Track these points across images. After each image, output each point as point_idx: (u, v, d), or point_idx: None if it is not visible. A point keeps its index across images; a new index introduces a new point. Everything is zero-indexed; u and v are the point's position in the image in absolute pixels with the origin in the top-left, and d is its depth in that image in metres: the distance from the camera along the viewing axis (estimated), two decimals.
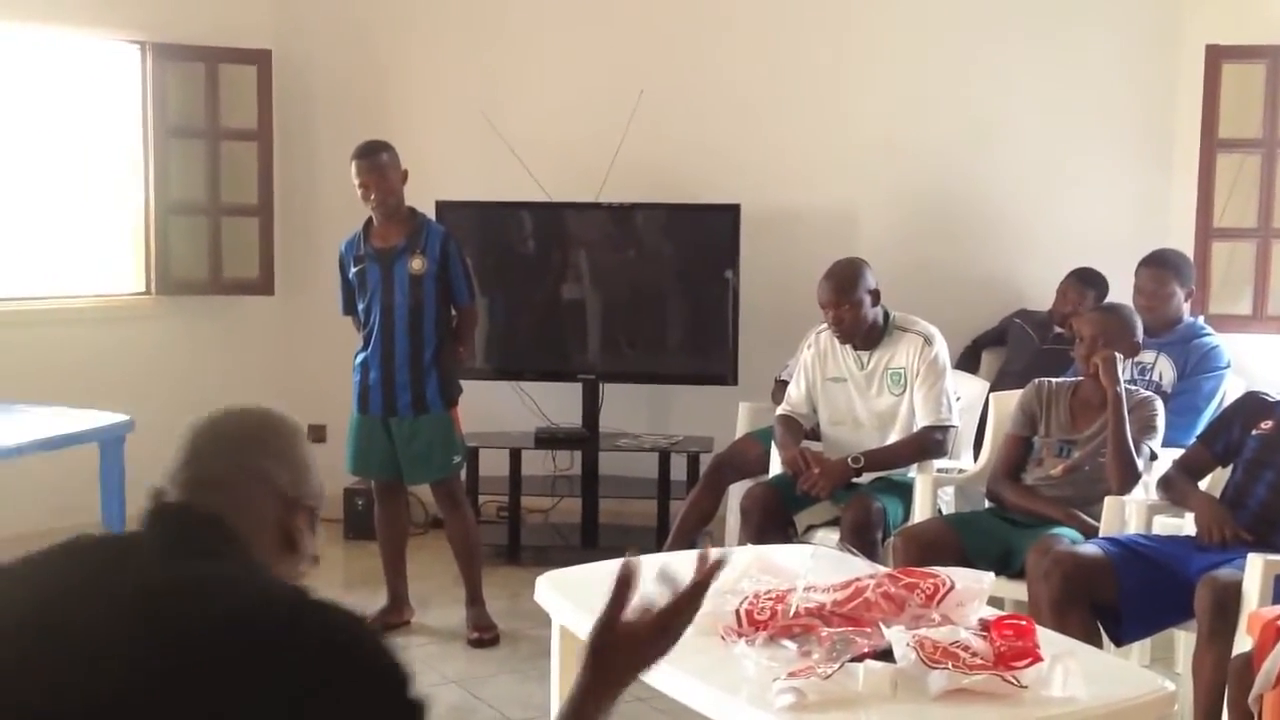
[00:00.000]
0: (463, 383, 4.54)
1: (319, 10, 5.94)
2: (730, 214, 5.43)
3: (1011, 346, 5.20)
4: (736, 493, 4.62)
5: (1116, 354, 3.79)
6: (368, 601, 4.46)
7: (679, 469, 5.34)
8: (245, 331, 5.89)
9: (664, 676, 2.33)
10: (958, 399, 4.29)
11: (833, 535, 4.00)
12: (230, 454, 1.56)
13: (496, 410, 5.55)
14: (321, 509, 1.63)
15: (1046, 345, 4.98)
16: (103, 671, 1.25)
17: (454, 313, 4.43)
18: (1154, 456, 3.78)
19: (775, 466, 4.39)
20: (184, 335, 5.74)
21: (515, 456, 5.39)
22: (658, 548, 4.63)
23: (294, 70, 5.81)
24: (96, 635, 1.28)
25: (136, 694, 1.23)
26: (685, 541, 4.51)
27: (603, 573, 2.98)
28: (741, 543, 4.11)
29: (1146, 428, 3.78)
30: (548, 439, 5.52)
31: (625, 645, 1.44)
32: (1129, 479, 3.71)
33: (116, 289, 5.68)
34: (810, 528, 4.16)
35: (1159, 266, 4.60)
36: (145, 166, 5.57)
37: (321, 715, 1.26)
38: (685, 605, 1.46)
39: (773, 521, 4.09)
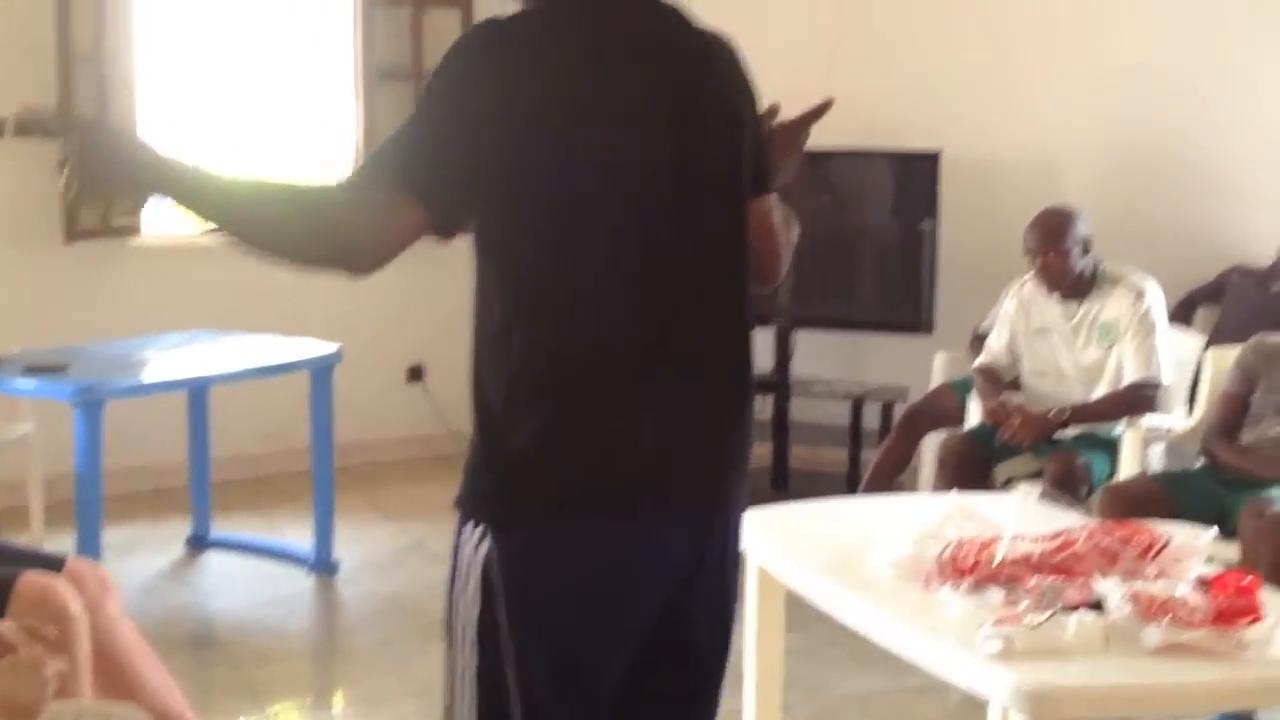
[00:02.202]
0: None
1: None
2: (930, 161, 5.31)
3: (1229, 302, 4.97)
4: (931, 444, 4.55)
5: None
6: None
7: (872, 417, 5.28)
8: (457, 266, 5.98)
9: (863, 618, 2.31)
10: (1171, 355, 4.13)
11: (1033, 489, 3.90)
12: None
13: None
14: None
15: (1266, 301, 4.75)
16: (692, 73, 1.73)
17: None
18: None
19: (973, 418, 4.30)
20: (391, 270, 5.86)
21: None
22: (848, 496, 4.59)
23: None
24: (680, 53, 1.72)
25: (717, 91, 1.75)
26: (879, 490, 4.45)
27: (800, 514, 2.97)
28: (937, 493, 4.04)
29: None
30: None
31: (768, 139, 1.86)
32: None
33: None
34: (1010, 480, 4.07)
35: None
36: (356, 108, 5.73)
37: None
38: (807, 118, 1.92)
39: (971, 473, 4.01)
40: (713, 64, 1.76)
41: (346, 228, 1.57)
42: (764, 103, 1.88)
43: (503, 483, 1.64)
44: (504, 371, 1.64)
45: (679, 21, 1.75)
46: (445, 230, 1.61)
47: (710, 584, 1.78)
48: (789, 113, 1.94)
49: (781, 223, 1.90)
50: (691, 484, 1.71)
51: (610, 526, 1.64)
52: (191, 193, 1.59)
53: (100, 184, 1.63)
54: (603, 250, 1.63)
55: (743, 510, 1.83)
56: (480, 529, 1.64)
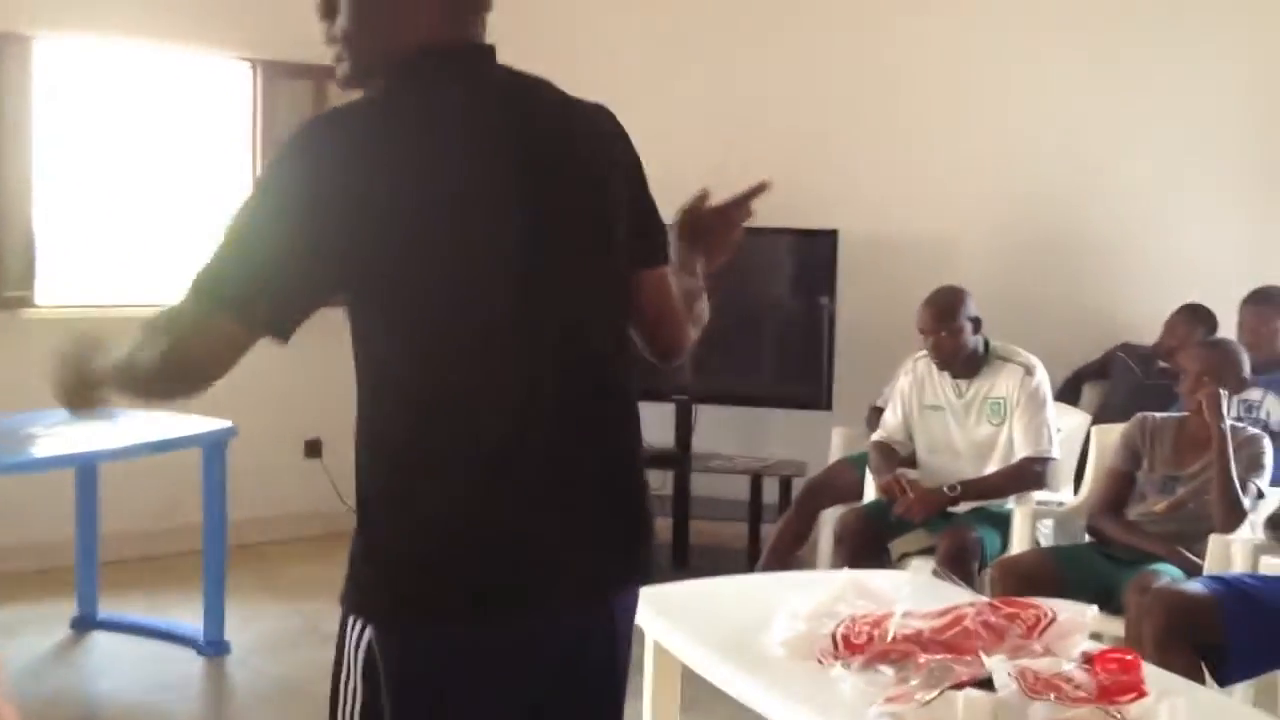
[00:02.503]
0: None
1: None
2: (828, 239, 5.42)
3: (1114, 380, 5.11)
4: (829, 519, 4.60)
5: (1222, 390, 3.71)
6: None
7: (771, 492, 5.32)
8: (346, 342, 5.94)
9: (758, 697, 2.32)
10: (1058, 431, 4.23)
11: (927, 564, 3.96)
12: None
13: None
14: None
15: (1150, 379, 4.88)
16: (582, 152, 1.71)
17: None
18: (1261, 495, 3.69)
19: (870, 493, 4.35)
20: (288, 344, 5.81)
21: None
22: (749, 570, 4.61)
23: None
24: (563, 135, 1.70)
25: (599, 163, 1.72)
26: (778, 564, 4.49)
27: (696, 591, 2.97)
28: (834, 568, 4.08)
29: (1253, 466, 3.69)
30: None
31: (703, 223, 1.92)
32: (1234, 517, 3.62)
33: None
34: (905, 556, 4.13)
35: (1263, 303, 4.56)
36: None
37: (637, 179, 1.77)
38: (744, 198, 1.96)
39: (867, 548, 4.06)
40: (580, 135, 1.71)
41: (178, 355, 1.58)
42: (652, 172, 1.84)
43: (382, 576, 1.61)
44: (379, 461, 1.62)
45: (542, 93, 1.72)
46: (276, 336, 1.60)
47: (600, 662, 1.76)
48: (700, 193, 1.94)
49: (681, 295, 1.83)
50: (577, 571, 1.66)
51: (494, 621, 1.62)
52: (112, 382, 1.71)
53: (81, 404, 1.80)
54: (464, 334, 1.58)
55: (638, 587, 1.81)
56: (361, 621, 1.62)
